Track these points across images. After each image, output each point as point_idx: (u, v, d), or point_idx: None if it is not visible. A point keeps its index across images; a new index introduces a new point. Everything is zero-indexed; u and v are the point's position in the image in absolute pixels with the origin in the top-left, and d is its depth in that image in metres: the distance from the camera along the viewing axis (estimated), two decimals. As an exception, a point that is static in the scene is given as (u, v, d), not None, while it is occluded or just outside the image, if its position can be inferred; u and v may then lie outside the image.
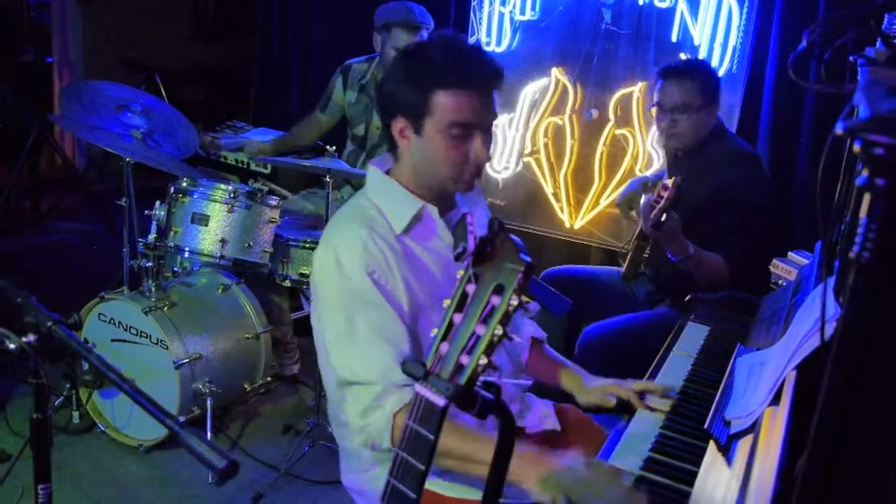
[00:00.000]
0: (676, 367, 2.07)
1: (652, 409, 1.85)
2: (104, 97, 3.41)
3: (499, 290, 1.09)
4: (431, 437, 1.09)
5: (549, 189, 4.13)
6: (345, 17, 4.76)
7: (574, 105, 4.01)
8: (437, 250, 1.84)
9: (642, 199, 2.72)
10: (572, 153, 4.05)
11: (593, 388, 1.99)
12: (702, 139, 2.93)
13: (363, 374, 1.67)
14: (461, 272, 1.12)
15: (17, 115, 4.91)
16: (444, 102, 1.70)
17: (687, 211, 2.68)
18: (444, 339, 1.11)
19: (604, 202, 4.00)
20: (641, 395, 1.90)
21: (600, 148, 3.97)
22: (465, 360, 1.09)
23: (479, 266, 1.11)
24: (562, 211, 4.10)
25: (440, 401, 1.08)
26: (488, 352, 1.08)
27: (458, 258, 1.13)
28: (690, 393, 1.92)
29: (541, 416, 2.05)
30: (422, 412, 1.10)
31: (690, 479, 1.52)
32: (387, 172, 1.86)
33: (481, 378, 1.10)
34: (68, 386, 3.17)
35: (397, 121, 1.77)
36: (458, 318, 1.11)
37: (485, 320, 1.08)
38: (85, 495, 2.83)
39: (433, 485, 1.79)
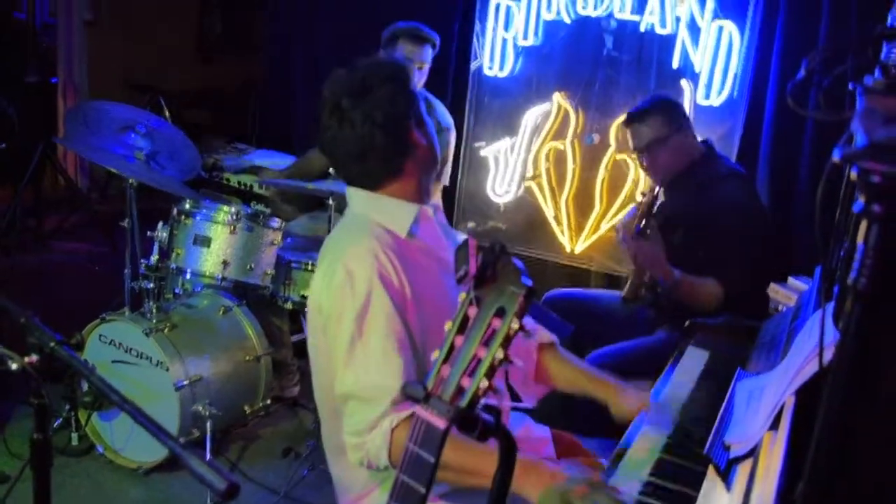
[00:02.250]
0: (677, 391, 2.07)
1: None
2: (108, 118, 3.43)
3: (500, 313, 1.10)
4: (432, 459, 1.10)
5: (550, 213, 4.15)
6: (350, 40, 4.80)
7: (575, 130, 4.05)
8: (439, 252, 1.85)
9: (624, 215, 2.74)
10: (573, 178, 4.07)
11: (634, 400, 1.93)
12: (689, 161, 2.96)
13: (373, 385, 1.65)
14: (463, 295, 1.13)
15: (22, 136, 4.94)
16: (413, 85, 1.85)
17: (680, 233, 2.71)
18: (445, 361, 1.12)
19: (604, 227, 4.02)
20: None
21: (601, 173, 3.99)
22: (466, 382, 1.09)
23: (481, 289, 1.12)
24: (563, 235, 4.12)
25: (441, 423, 1.08)
26: (489, 375, 1.09)
27: (459, 281, 1.14)
28: (690, 417, 1.92)
29: (536, 439, 2.04)
30: (423, 434, 1.11)
31: (690, 503, 1.51)
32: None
33: (482, 401, 1.11)
34: (68, 407, 3.17)
35: (413, 129, 1.81)
36: (459, 340, 1.12)
37: (486, 343, 1.09)
38: (83, 517, 2.82)
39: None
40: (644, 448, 1.79)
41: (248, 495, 2.99)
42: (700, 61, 3.72)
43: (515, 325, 1.08)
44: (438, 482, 1.70)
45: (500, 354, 1.08)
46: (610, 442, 1.92)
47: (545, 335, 2.09)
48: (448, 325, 1.13)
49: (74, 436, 3.16)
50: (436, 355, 1.13)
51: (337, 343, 1.71)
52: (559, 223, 4.13)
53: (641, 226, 2.56)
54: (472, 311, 1.12)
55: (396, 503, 1.14)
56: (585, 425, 2.62)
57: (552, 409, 2.33)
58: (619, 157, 3.94)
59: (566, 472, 1.54)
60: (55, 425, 3.20)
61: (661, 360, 2.31)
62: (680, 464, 1.72)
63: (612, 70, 3.96)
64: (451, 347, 1.12)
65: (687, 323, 2.50)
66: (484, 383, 1.08)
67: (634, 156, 3.02)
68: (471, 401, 1.08)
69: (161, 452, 2.99)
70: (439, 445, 1.09)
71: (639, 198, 3.83)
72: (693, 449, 1.76)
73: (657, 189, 2.60)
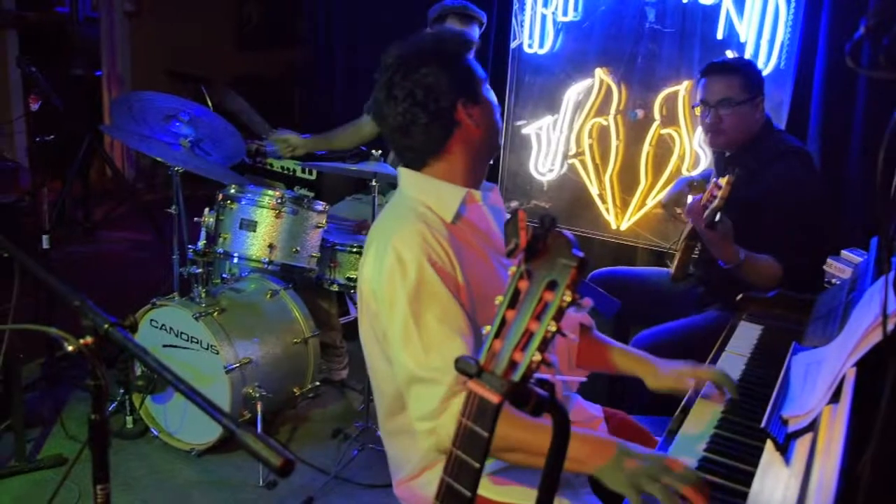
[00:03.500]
0: (730, 367, 2.03)
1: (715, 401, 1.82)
2: (153, 108, 3.47)
3: (552, 286, 1.08)
4: (486, 434, 1.09)
5: (594, 190, 4.10)
6: (390, 25, 4.79)
7: (619, 105, 3.99)
8: (487, 236, 1.83)
9: (689, 199, 2.69)
10: (617, 154, 4.02)
11: (668, 373, 1.93)
12: (749, 136, 2.89)
13: (433, 366, 1.63)
14: (513, 268, 1.12)
15: (68, 128, 5.02)
16: (476, 63, 1.82)
17: (739, 211, 2.65)
18: (497, 335, 1.11)
19: (650, 203, 3.97)
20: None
21: (646, 148, 3.93)
22: (518, 356, 1.08)
23: (532, 262, 1.11)
24: (607, 212, 4.08)
25: (495, 397, 1.07)
26: (542, 348, 1.07)
27: (509, 254, 1.12)
28: (745, 392, 1.89)
29: (588, 418, 2.01)
30: (476, 409, 1.09)
31: (747, 479, 1.49)
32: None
33: (535, 375, 1.10)
34: (122, 391, 3.23)
35: (459, 106, 1.78)
36: (511, 314, 1.10)
37: (538, 317, 1.08)
38: (138, 499, 2.87)
39: (482, 488, 1.77)
40: (699, 423, 1.76)
41: (299, 476, 3.02)
42: (745, 32, 3.63)
43: (568, 298, 1.06)
44: (490, 459, 1.69)
45: (552, 327, 1.06)
46: (662, 419, 1.90)
47: (584, 318, 2.08)
48: (499, 300, 1.12)
49: (129, 419, 3.22)
50: (487, 330, 1.12)
51: (392, 328, 1.70)
52: (604, 200, 4.09)
53: (717, 218, 2.49)
54: (524, 285, 1.10)
55: (450, 479, 1.13)
56: (637, 403, 2.60)
57: (602, 387, 2.31)
58: (664, 131, 3.88)
59: (642, 452, 1.50)
60: (110, 409, 3.26)
61: (713, 338, 2.27)
62: (736, 439, 1.68)
63: (654, 43, 3.89)
64: (503, 321, 1.11)
65: (739, 297, 2.46)
66: (537, 357, 1.07)
67: (698, 109, 2.93)
68: (524, 375, 1.07)
69: (213, 434, 3.04)
70: (493, 420, 1.08)
71: (685, 172, 3.78)
72: (749, 424, 1.73)
73: (733, 178, 2.53)
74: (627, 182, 4.02)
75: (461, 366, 1.11)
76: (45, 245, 3.31)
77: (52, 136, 3.61)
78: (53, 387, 3.47)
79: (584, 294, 2.46)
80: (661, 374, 1.95)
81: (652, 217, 3.98)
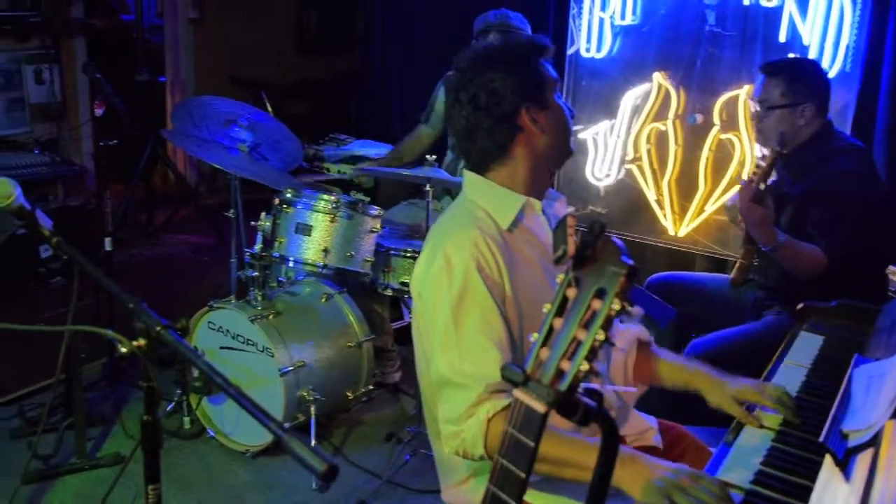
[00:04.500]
0: (789, 377, 1.98)
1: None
2: (213, 112, 3.53)
3: (600, 294, 1.06)
4: (532, 444, 1.08)
5: (651, 196, 4.05)
6: (445, 29, 4.80)
7: (677, 110, 3.93)
8: (543, 247, 1.82)
9: (731, 195, 2.65)
10: (676, 159, 3.96)
11: (731, 392, 1.85)
12: (801, 140, 2.81)
13: (466, 373, 1.64)
14: (561, 276, 1.10)
15: (132, 133, 5.15)
16: (547, 68, 1.81)
17: (790, 204, 2.60)
18: (544, 344, 1.09)
19: (709, 209, 3.89)
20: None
21: (705, 153, 3.87)
22: (565, 365, 1.06)
23: (580, 269, 1.09)
24: (665, 218, 4.02)
25: (541, 406, 1.06)
26: (590, 357, 1.05)
27: (557, 261, 1.11)
28: (804, 405, 1.83)
29: (642, 429, 1.98)
30: (522, 418, 1.08)
31: (804, 494, 1.44)
32: None
33: (583, 385, 1.08)
34: (179, 392, 3.28)
35: (523, 111, 1.77)
36: (558, 322, 1.09)
37: (586, 325, 1.06)
38: (194, 498, 2.91)
39: (528, 495, 1.76)
40: (755, 436, 1.72)
41: (351, 479, 3.03)
42: (809, 34, 3.55)
43: (616, 307, 1.05)
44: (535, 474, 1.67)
45: (600, 336, 1.05)
46: (718, 431, 1.85)
47: (642, 333, 2.04)
48: (547, 307, 1.11)
49: (186, 419, 3.27)
50: (534, 338, 1.11)
51: (433, 329, 1.72)
52: (661, 206, 4.03)
53: (761, 188, 2.46)
54: (572, 293, 1.09)
55: (496, 488, 1.12)
56: (692, 415, 2.55)
57: (657, 399, 2.27)
58: (724, 136, 3.81)
59: (667, 465, 1.48)
60: (168, 409, 3.32)
61: (771, 346, 2.21)
62: (794, 452, 1.64)
63: (714, 47, 3.82)
64: (550, 330, 1.09)
65: (800, 306, 2.39)
66: (584, 366, 1.05)
67: (757, 108, 2.89)
68: (571, 384, 1.05)
69: (267, 436, 3.06)
70: (539, 429, 1.07)
71: (758, 156, 3.69)
72: (808, 437, 1.68)
73: (778, 149, 2.49)
74: (686, 188, 3.95)
75: (507, 374, 1.10)
76: (108, 247, 3.38)
77: (115, 141, 3.68)
78: (114, 387, 3.54)
79: (638, 301, 2.42)
80: (724, 391, 1.86)
81: (711, 223, 3.91)
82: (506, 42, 1.87)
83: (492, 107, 1.76)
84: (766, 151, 3.00)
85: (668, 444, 1.99)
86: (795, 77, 2.82)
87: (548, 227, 1.87)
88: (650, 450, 1.94)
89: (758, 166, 2.50)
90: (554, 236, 1.12)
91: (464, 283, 1.67)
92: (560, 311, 1.09)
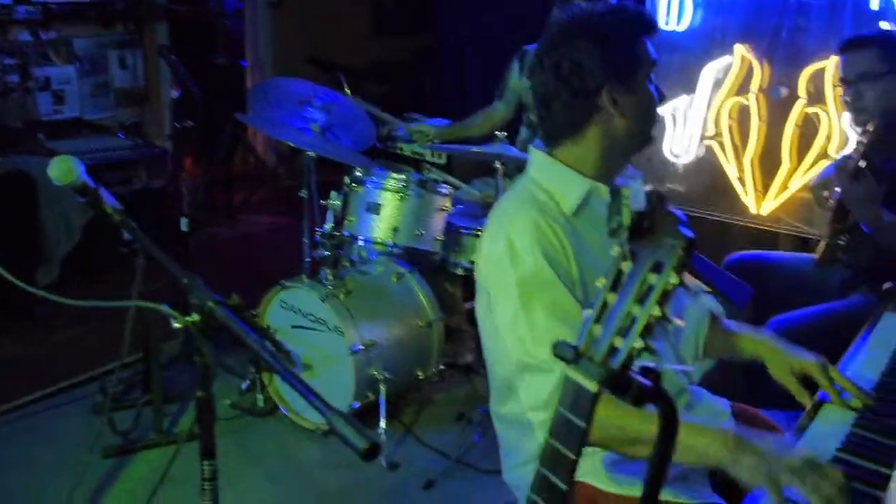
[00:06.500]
0: (872, 359, 1.88)
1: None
2: (287, 93, 3.55)
3: (657, 267, 1.00)
4: (583, 424, 1.03)
5: (733, 173, 3.91)
6: (521, 8, 4.72)
7: (760, 83, 3.78)
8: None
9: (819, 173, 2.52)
10: (759, 135, 3.82)
11: (791, 363, 1.78)
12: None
13: (542, 357, 1.58)
14: (616, 248, 1.05)
15: (211, 116, 5.24)
16: (647, 48, 1.69)
17: (886, 187, 2.46)
18: (597, 320, 1.04)
19: (794, 186, 3.74)
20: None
21: (790, 128, 3.71)
22: (619, 342, 1.01)
23: (636, 242, 1.03)
24: (746, 196, 3.88)
25: (591, 385, 1.01)
26: (644, 334, 1.00)
27: (611, 234, 1.05)
28: (888, 387, 1.73)
29: (714, 412, 1.89)
30: (572, 397, 1.04)
31: (884, 482, 1.36)
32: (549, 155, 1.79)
33: (639, 363, 1.02)
34: (253, 370, 3.32)
35: (605, 91, 1.66)
36: (612, 297, 1.04)
37: (641, 300, 1.00)
38: (265, 474, 2.95)
39: (592, 477, 1.70)
40: (832, 420, 1.63)
41: (421, 459, 3.03)
42: (904, 0, 3.36)
43: (674, 280, 0.99)
44: (629, 456, 1.59)
45: (656, 312, 0.99)
46: (793, 414, 1.76)
47: (714, 306, 1.95)
48: (601, 282, 1.05)
49: (260, 397, 3.30)
50: (587, 313, 1.05)
51: (503, 314, 1.66)
52: (743, 184, 3.88)
53: (861, 165, 2.33)
54: (626, 266, 1.03)
55: (546, 470, 1.08)
56: (766, 397, 2.44)
57: (729, 381, 2.19)
58: (810, 110, 3.64)
59: (776, 445, 1.39)
60: (243, 388, 3.37)
61: (854, 326, 2.10)
62: (873, 438, 1.55)
63: (800, 17, 3.65)
64: (604, 305, 1.04)
65: (887, 285, 2.26)
66: (638, 343, 0.99)
67: (839, 89, 2.75)
68: (624, 362, 1.00)
69: (340, 415, 3.07)
70: (590, 409, 1.02)
71: (834, 154, 3.54)
72: (889, 423, 1.58)
73: (877, 124, 2.36)
74: (769, 164, 3.80)
75: (558, 351, 1.05)
76: (184, 227, 3.44)
77: (191, 123, 3.75)
78: (191, 364, 3.61)
79: (715, 280, 2.33)
80: (785, 362, 1.80)
81: (796, 201, 3.75)
82: (603, 10, 1.73)
83: (573, 79, 1.66)
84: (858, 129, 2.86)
85: (740, 425, 1.91)
86: (889, 42, 2.69)
87: None
88: None
89: (858, 142, 2.36)
90: (608, 207, 1.07)
91: (529, 267, 1.61)
92: (614, 285, 1.04)
